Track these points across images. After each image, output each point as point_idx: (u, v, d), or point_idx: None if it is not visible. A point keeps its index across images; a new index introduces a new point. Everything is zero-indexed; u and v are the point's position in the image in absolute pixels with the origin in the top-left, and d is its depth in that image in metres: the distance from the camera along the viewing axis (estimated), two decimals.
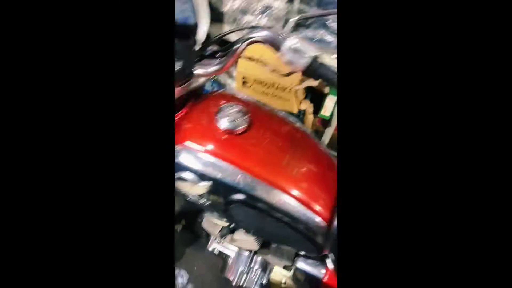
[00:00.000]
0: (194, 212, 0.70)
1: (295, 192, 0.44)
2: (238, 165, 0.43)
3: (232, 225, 0.60)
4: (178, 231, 0.81)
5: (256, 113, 0.48)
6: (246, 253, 0.69)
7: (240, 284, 0.69)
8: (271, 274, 0.69)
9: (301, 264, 0.57)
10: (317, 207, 0.44)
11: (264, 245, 0.67)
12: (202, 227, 0.65)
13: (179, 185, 0.46)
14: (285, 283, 0.68)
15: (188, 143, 0.45)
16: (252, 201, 0.44)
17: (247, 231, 0.55)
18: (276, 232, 0.49)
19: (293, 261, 0.65)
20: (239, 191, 0.44)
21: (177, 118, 0.47)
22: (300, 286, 0.63)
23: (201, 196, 0.46)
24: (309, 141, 0.51)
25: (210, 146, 0.44)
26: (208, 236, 0.72)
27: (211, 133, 0.44)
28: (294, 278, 0.65)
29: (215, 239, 0.71)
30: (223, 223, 0.59)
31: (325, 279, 0.53)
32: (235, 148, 0.44)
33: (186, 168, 0.45)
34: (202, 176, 0.44)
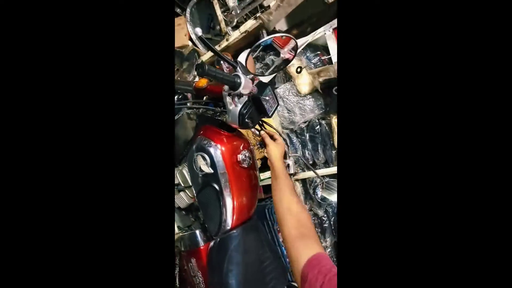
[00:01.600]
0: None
1: (235, 204, 0.89)
2: (229, 174, 0.87)
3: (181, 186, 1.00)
4: None
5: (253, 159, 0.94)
6: None
7: None
8: None
9: (197, 231, 0.99)
10: (234, 218, 0.90)
11: (184, 210, 1.08)
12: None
13: (199, 158, 0.86)
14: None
15: (219, 147, 0.87)
16: (217, 191, 0.87)
17: (195, 196, 0.96)
18: (209, 211, 0.92)
19: (186, 228, 1.07)
20: (218, 182, 0.87)
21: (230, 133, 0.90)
22: (179, 242, 1.04)
23: (202, 171, 0.87)
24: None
25: (228, 158, 0.87)
26: None
27: (233, 156, 0.88)
28: (180, 237, 1.05)
29: None
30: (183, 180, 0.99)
31: (201, 247, 0.96)
32: (235, 168, 0.89)
33: (209, 154, 0.86)
34: (211, 163, 0.86)
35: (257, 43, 0.64)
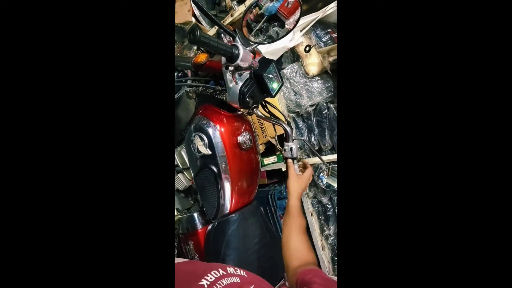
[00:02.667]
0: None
1: (234, 187, 0.85)
2: (228, 156, 0.83)
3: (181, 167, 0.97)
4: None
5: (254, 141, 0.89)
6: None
7: None
8: None
9: (195, 214, 0.96)
10: (233, 202, 0.86)
11: (183, 193, 1.05)
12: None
13: (197, 138, 0.82)
14: None
15: (218, 127, 0.82)
16: (215, 173, 0.83)
17: (193, 178, 0.92)
18: (207, 194, 0.88)
19: (184, 211, 1.05)
20: (216, 165, 0.83)
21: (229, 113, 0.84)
22: (178, 225, 1.02)
23: (199, 152, 0.83)
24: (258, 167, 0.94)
25: (227, 140, 0.83)
26: None
27: (233, 137, 0.83)
28: (178, 219, 1.03)
29: None
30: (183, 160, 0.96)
31: (199, 230, 0.94)
32: (234, 150, 0.84)
33: (207, 135, 0.82)
34: (209, 145, 0.82)
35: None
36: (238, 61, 0.58)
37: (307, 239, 0.70)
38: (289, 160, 0.80)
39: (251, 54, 0.62)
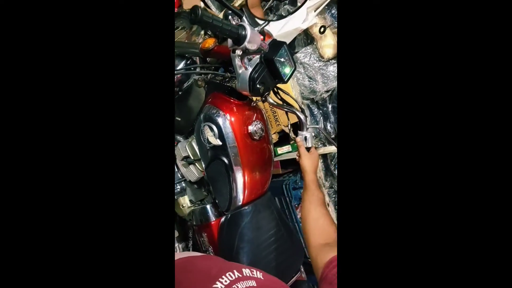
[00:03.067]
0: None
1: (246, 179, 0.82)
2: (239, 147, 0.79)
3: (191, 159, 0.95)
4: None
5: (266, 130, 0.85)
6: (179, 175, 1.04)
7: None
8: (181, 197, 1.05)
9: (208, 206, 0.94)
10: (246, 194, 0.83)
11: (196, 184, 1.04)
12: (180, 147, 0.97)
13: (206, 128, 0.79)
14: (183, 207, 1.05)
15: (228, 117, 0.78)
16: (226, 164, 0.80)
17: (204, 170, 0.90)
18: (219, 185, 0.86)
19: (198, 202, 1.03)
20: (227, 156, 0.80)
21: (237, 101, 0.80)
22: (191, 216, 1.01)
23: (210, 143, 0.80)
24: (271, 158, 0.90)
25: (238, 129, 0.79)
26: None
27: (244, 127, 0.79)
28: (191, 211, 1.02)
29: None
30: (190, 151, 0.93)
31: (212, 222, 0.92)
32: (245, 140, 0.80)
33: (217, 125, 0.78)
34: (219, 135, 0.78)
35: None
36: (246, 43, 0.53)
37: (327, 211, 0.70)
38: (298, 139, 0.81)
39: (260, 35, 0.57)
